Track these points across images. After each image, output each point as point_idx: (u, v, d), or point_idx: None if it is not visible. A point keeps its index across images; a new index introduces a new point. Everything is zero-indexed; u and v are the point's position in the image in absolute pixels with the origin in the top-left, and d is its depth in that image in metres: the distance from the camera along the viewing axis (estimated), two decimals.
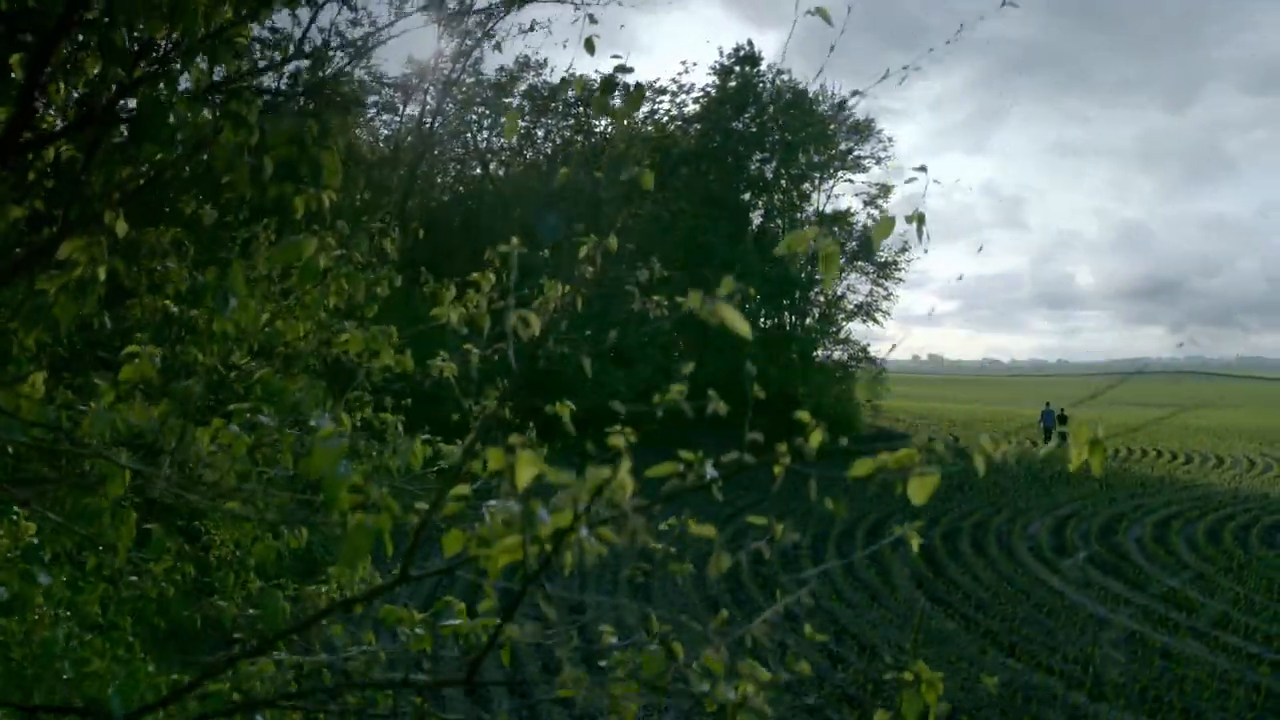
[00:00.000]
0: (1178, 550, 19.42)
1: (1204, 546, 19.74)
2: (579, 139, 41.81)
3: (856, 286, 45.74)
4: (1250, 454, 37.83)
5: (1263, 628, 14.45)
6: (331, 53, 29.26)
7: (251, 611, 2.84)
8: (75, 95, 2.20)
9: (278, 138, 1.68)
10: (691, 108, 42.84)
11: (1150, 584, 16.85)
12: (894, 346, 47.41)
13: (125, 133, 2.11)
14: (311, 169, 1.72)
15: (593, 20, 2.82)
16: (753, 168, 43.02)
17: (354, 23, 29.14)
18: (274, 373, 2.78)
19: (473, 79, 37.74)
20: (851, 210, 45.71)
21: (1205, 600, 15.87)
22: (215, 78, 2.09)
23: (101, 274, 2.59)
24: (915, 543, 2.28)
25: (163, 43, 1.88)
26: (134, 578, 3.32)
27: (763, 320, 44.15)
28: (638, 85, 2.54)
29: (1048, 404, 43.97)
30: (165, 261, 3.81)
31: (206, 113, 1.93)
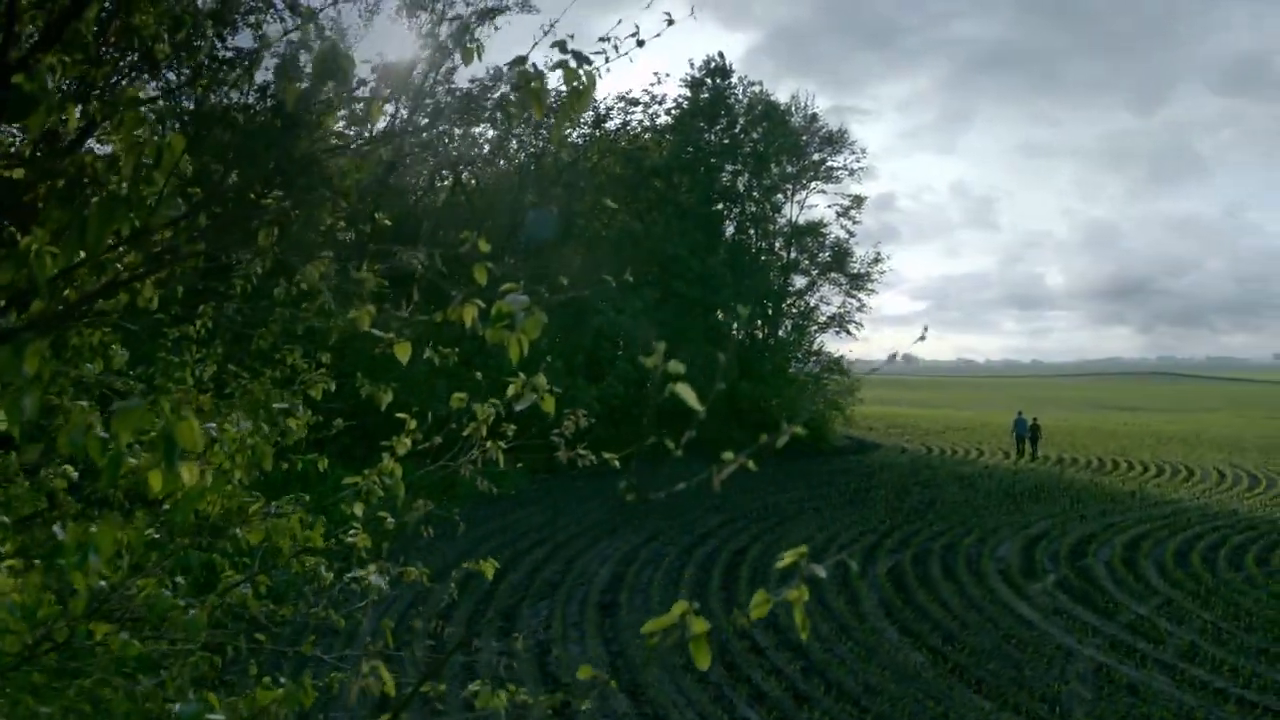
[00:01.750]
0: (1146, 574, 19.44)
1: (1172, 570, 19.78)
2: (552, 149, 41.68)
3: (829, 298, 45.87)
4: (1220, 465, 38.08)
5: (1230, 660, 14.45)
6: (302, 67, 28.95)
7: None
8: None
9: (127, 420, 1.53)
10: (664, 119, 42.83)
11: (1119, 612, 16.84)
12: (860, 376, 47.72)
13: None
14: (166, 448, 1.57)
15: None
16: (725, 179, 43.02)
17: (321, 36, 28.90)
18: (160, 586, 2.63)
19: (445, 88, 37.54)
20: (824, 221, 45.80)
21: (1173, 629, 15.88)
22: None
23: None
24: None
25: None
26: None
27: (736, 332, 44.18)
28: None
29: (1020, 413, 44.04)
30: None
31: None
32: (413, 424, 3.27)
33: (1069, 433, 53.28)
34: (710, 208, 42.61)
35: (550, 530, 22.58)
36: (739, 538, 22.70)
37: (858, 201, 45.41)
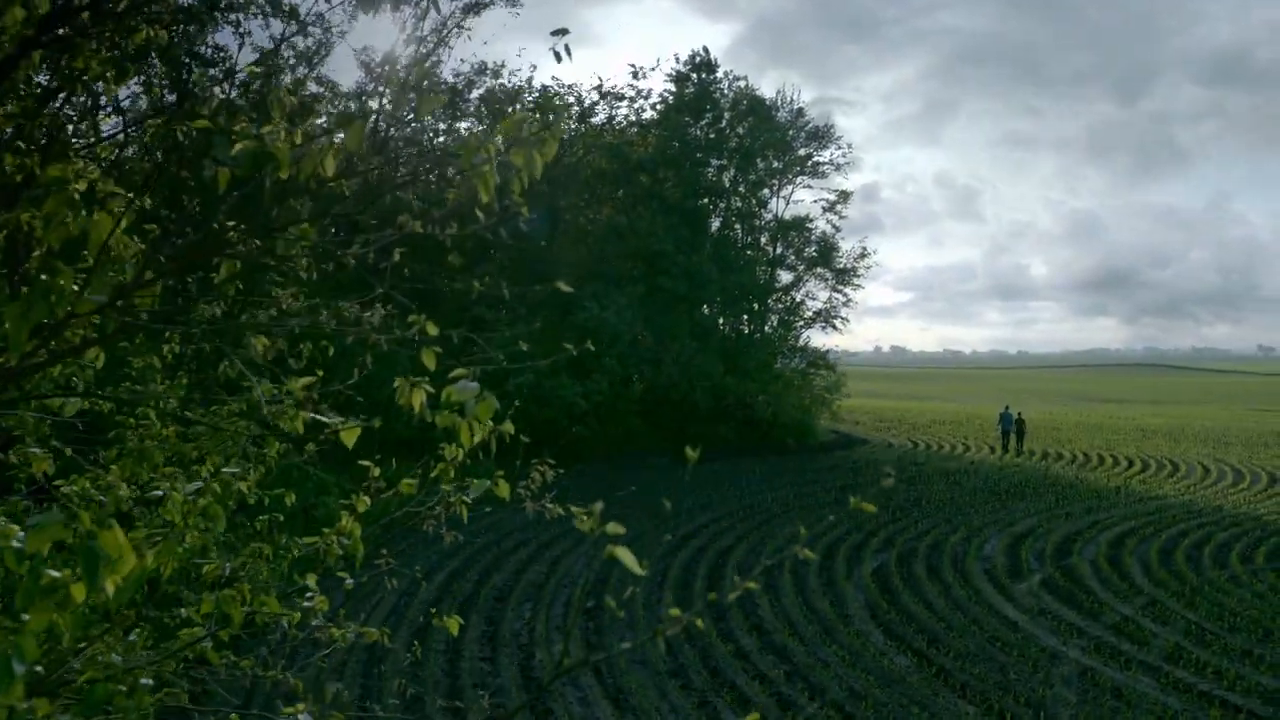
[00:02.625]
0: (1131, 573, 19.45)
1: (1157, 569, 19.80)
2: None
3: (815, 293, 45.84)
4: (1204, 460, 38.22)
5: (1214, 662, 14.45)
6: (282, 63, 28.74)
7: None
8: None
9: (43, 535, 1.43)
10: (649, 114, 42.66)
11: (1104, 612, 16.83)
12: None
13: None
14: (87, 564, 1.47)
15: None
16: (710, 174, 42.90)
17: (303, 33, 28.70)
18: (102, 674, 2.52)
19: (428, 81, 37.28)
20: (810, 216, 45.75)
21: (1158, 630, 15.88)
22: None
23: None
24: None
25: None
26: None
27: (722, 326, 44.12)
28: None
29: (1006, 407, 44.08)
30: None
31: None
32: (376, 471, 3.17)
33: (1055, 426, 53.41)
34: (696, 202, 42.50)
35: (535, 530, 22.47)
36: (724, 537, 22.66)
37: (844, 197, 45.41)
